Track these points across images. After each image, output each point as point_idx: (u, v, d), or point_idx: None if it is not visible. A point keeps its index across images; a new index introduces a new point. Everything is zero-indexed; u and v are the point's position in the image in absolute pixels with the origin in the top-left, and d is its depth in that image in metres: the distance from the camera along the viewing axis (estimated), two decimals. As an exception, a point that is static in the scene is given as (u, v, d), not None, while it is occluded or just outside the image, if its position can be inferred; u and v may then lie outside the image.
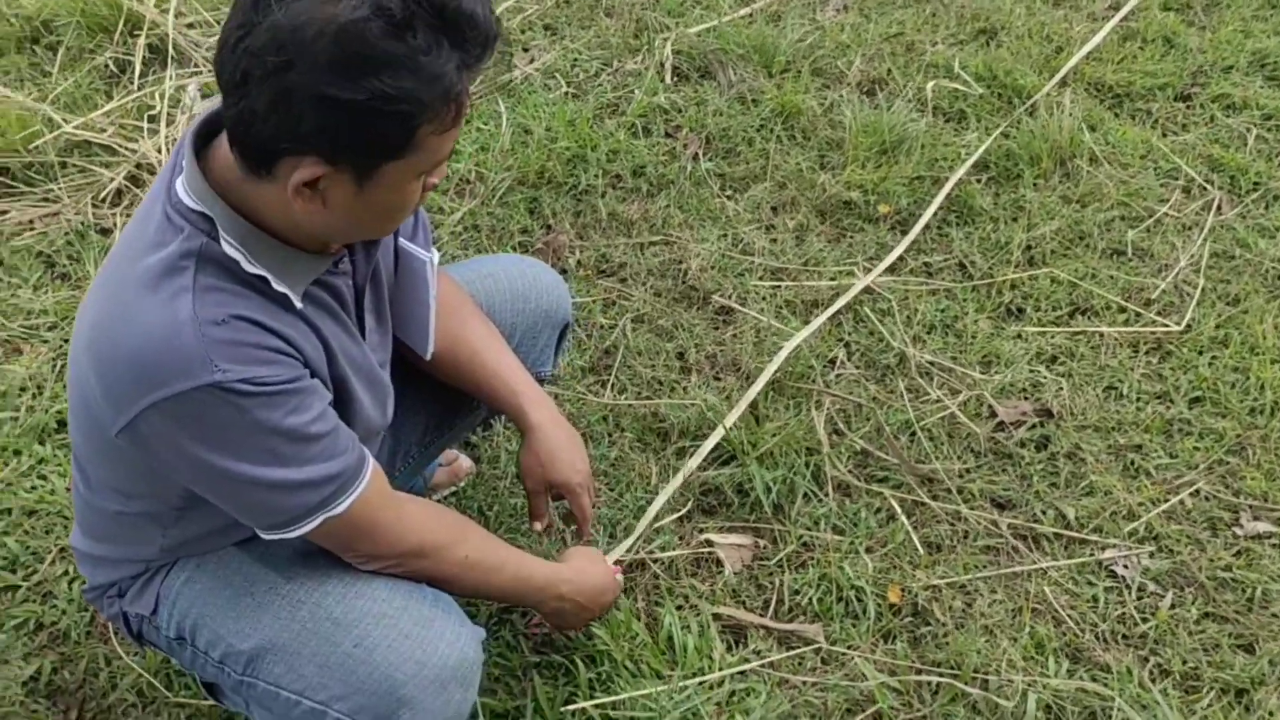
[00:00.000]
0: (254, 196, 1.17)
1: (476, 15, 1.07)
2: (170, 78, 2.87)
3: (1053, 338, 2.31)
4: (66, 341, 2.30)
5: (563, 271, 2.50)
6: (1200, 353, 2.26)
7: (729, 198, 2.66)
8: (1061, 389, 2.20)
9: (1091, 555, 1.94)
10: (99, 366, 1.18)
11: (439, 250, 2.48)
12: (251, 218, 1.18)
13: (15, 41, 3.07)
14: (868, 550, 1.95)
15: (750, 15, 3.19)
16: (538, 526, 1.66)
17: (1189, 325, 2.30)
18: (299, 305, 1.24)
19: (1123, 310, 2.35)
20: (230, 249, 1.17)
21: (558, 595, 1.57)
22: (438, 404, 1.73)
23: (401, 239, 1.48)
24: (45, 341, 2.30)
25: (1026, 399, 2.21)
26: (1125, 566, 1.94)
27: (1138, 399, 2.19)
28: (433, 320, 1.52)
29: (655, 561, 1.93)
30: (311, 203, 1.14)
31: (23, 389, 2.20)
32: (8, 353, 2.29)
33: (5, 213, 2.57)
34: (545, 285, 1.77)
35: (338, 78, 1.03)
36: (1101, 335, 2.31)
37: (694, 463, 2.06)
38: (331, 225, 1.20)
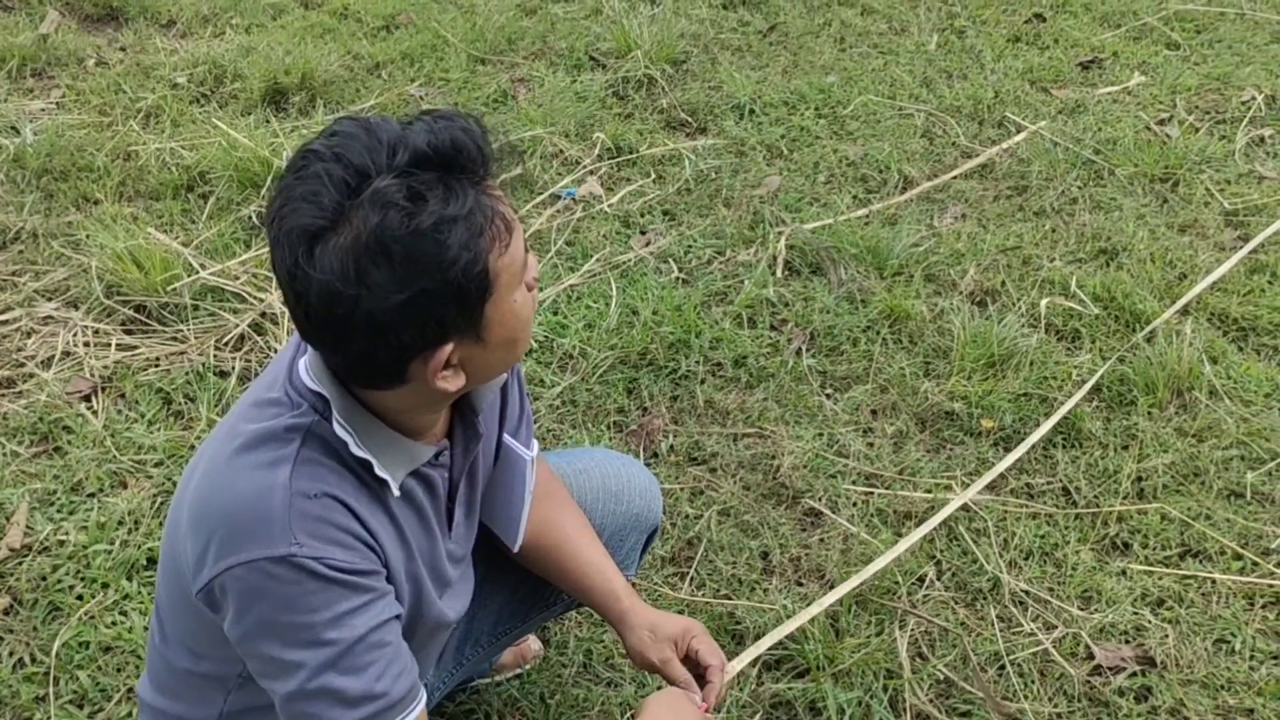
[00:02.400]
0: (372, 393, 1.22)
1: (459, 141, 1.10)
2: (306, 233, 3.03)
3: (1160, 579, 2.18)
4: (170, 479, 2.37)
5: (654, 455, 2.49)
6: (1323, 614, 2.10)
7: (828, 396, 2.64)
8: (1167, 636, 2.07)
9: (1191, 829, 1.78)
10: (194, 524, 1.22)
11: (534, 423, 2.52)
12: (366, 404, 1.23)
13: (173, 188, 3.29)
14: (943, 792, 1.82)
15: (867, 216, 3.23)
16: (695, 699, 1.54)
17: (1311, 582, 2.16)
18: (396, 493, 1.26)
19: (1238, 557, 2.22)
20: (341, 430, 1.21)
21: None
22: (515, 595, 1.72)
23: (506, 434, 1.51)
24: (150, 477, 2.38)
25: (1128, 643, 2.08)
26: (1229, 846, 1.77)
27: (1251, 657, 2.04)
28: (525, 515, 1.53)
29: (715, 777, 1.83)
30: (457, 377, 1.19)
31: (120, 522, 2.26)
32: (114, 485, 2.37)
33: (136, 349, 2.71)
34: (639, 488, 1.76)
35: (400, 283, 1.07)
36: (1214, 582, 2.17)
37: (752, 652, 1.98)
38: (482, 379, 1.24)
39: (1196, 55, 4.08)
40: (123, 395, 2.59)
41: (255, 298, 2.84)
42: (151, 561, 2.19)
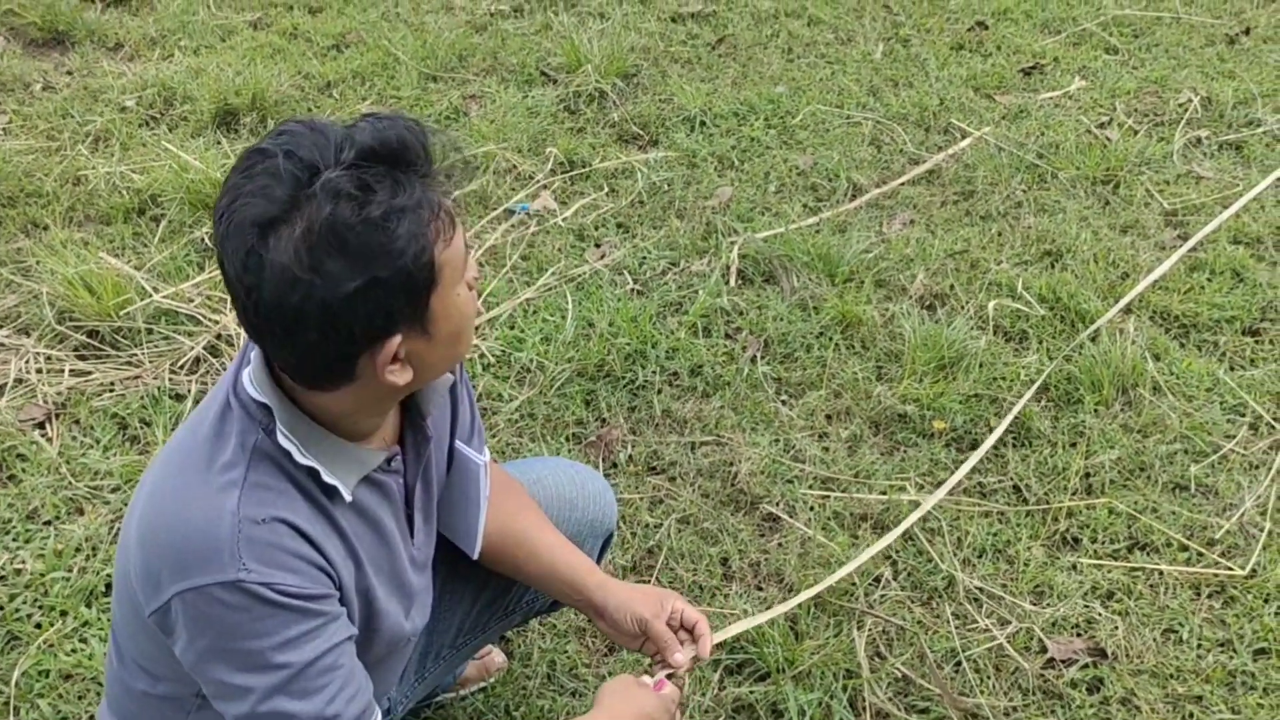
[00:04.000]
0: (316, 396, 1.23)
1: (403, 138, 1.13)
2: (260, 254, 3.02)
3: (1109, 572, 2.24)
4: (126, 505, 2.36)
5: (613, 465, 2.52)
6: (1266, 601, 2.16)
7: (784, 403, 2.67)
8: (1117, 628, 2.12)
9: (1144, 814, 1.82)
10: (142, 546, 1.22)
11: (493, 437, 2.54)
12: (309, 411, 1.24)
13: (123, 212, 3.28)
14: (903, 788, 1.86)
15: (817, 224, 3.28)
16: (679, 658, 1.54)
17: (1254, 571, 2.21)
18: (348, 498, 1.27)
19: (1184, 549, 2.28)
20: (284, 440, 1.22)
21: None
22: (475, 604, 1.74)
23: (458, 441, 1.52)
24: (107, 503, 2.37)
25: (1079, 635, 2.12)
26: (1181, 830, 1.81)
27: (1199, 645, 2.10)
28: (482, 522, 1.55)
29: (680, 782, 1.85)
30: (405, 371, 1.20)
31: (78, 549, 2.25)
32: (70, 511, 2.35)
33: (90, 374, 2.70)
34: (592, 494, 1.78)
35: (352, 271, 1.10)
36: (1161, 574, 2.23)
37: (721, 635, 2.01)
38: (428, 375, 1.25)
39: (1134, 59, 4.18)
40: (77, 421, 2.58)
41: (210, 320, 2.84)
42: (110, 588, 2.18)
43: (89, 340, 2.80)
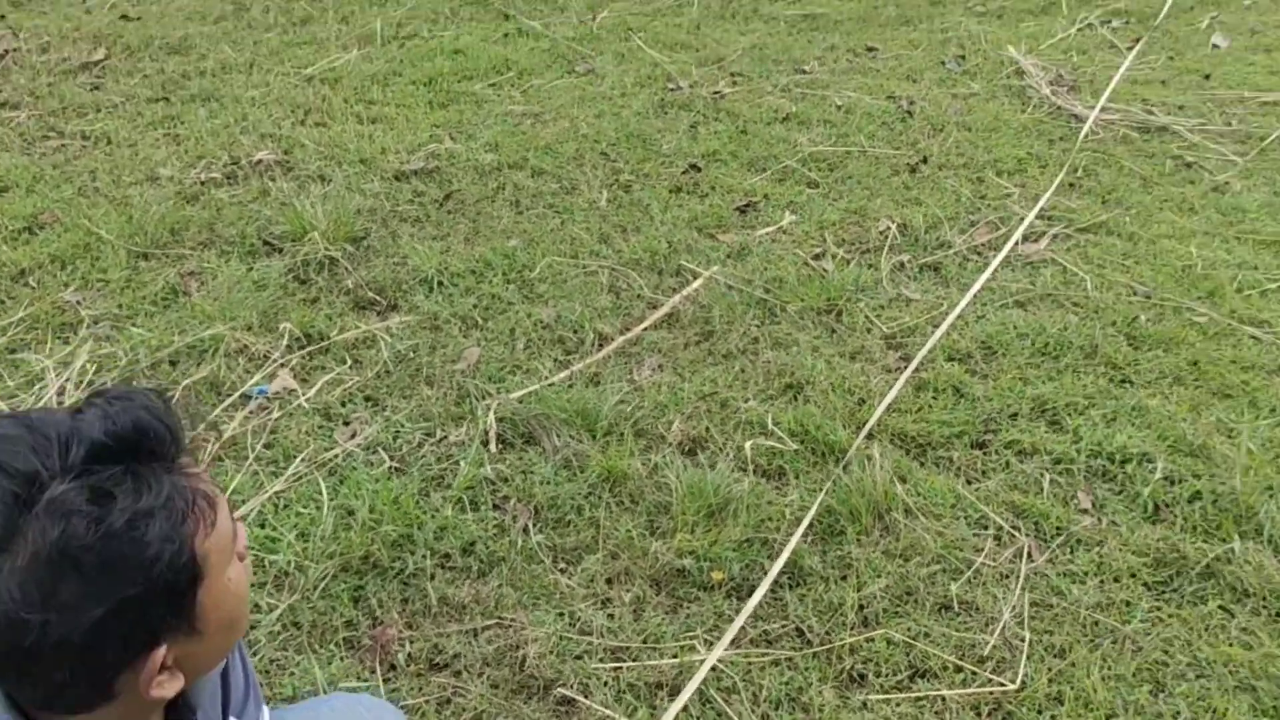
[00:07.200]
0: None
1: (142, 422, 1.00)
2: None
3: (898, 705, 2.30)
4: None
5: (392, 669, 2.36)
6: (1039, 711, 2.29)
7: (562, 571, 2.62)
8: (914, 762, 2.17)
9: None
10: None
11: (255, 655, 2.32)
12: None
13: None
14: None
15: (570, 378, 3.28)
16: None
17: (1024, 683, 2.34)
18: None
19: (959, 670, 2.38)
20: None
21: None
22: None
23: (231, 718, 1.37)
24: None
25: (881, 776, 2.16)
26: None
27: (988, 765, 2.18)
28: None
29: None
30: (174, 680, 1.06)
31: None
32: None
33: None
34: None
35: (95, 596, 0.95)
36: (944, 699, 2.32)
37: None
38: (202, 671, 1.13)
39: (834, 192, 4.52)
40: None
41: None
42: None
43: None
